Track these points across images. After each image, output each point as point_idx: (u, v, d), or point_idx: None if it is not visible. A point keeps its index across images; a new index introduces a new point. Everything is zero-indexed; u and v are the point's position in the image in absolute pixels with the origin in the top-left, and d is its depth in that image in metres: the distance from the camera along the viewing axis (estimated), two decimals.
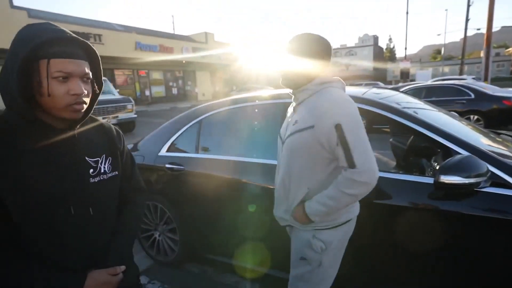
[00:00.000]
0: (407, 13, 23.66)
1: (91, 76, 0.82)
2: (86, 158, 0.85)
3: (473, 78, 16.78)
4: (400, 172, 1.62)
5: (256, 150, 1.97)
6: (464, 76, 17.73)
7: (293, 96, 1.22)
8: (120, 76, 19.34)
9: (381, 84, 23.70)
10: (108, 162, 0.91)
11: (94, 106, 0.89)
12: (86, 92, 0.79)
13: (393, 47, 77.28)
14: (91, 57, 0.84)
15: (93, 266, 0.85)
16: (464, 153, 1.40)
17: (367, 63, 59.64)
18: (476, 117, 6.83)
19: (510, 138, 2.18)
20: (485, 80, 12.36)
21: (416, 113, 1.67)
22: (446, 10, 33.07)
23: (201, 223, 2.17)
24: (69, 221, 0.80)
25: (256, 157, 1.91)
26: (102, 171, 0.88)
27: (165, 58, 19.38)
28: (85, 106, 0.81)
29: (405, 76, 24.45)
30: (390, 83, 38.99)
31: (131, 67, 19.24)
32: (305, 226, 1.16)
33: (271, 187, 1.77)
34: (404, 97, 2.11)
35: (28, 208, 0.74)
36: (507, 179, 1.32)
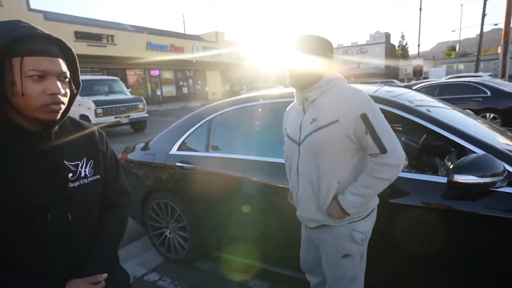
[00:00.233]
0: (420, 9, 23.10)
1: (68, 75, 0.78)
2: (65, 162, 0.81)
3: (490, 75, 16.26)
4: (413, 171, 1.59)
5: (265, 149, 1.97)
6: (479, 73, 17.20)
7: (299, 96, 1.22)
8: (132, 76, 19.67)
9: (397, 82, 23.25)
10: (90, 166, 0.87)
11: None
12: (63, 91, 0.75)
13: (406, 44, 75.70)
14: (67, 55, 0.79)
15: (76, 274, 0.81)
16: (480, 152, 1.36)
17: (379, 61, 58.64)
18: (492, 115, 6.62)
19: None
20: (502, 77, 11.95)
21: (429, 111, 1.63)
22: (461, 5, 32.10)
23: (211, 221, 2.19)
24: (47, 228, 0.76)
25: (265, 156, 1.91)
26: (83, 175, 0.84)
27: (176, 57, 19.59)
28: (63, 107, 0.76)
29: (418, 73, 23.91)
30: (402, 81, 38.24)
31: (142, 67, 19.53)
32: (340, 222, 1.17)
33: (281, 185, 1.77)
34: (417, 95, 2.07)
35: (1, 216, 0.70)
36: None
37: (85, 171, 0.85)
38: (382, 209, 1.31)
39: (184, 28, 41.31)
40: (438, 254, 1.42)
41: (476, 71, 20.58)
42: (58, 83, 0.73)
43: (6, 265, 0.72)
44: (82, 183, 0.84)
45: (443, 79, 13.24)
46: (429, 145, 2.10)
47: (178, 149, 2.34)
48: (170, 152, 2.35)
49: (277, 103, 1.99)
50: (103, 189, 0.92)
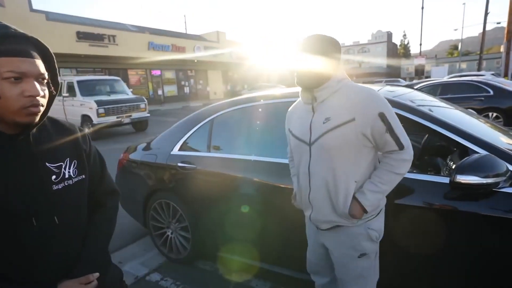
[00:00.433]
0: (422, 8, 23.00)
1: (47, 76, 0.75)
2: (47, 164, 0.78)
3: (492, 74, 16.17)
4: (415, 171, 1.58)
5: (267, 149, 1.97)
6: (482, 72, 17.11)
7: (306, 96, 1.20)
8: (134, 76, 19.71)
9: (402, 81, 23.14)
10: (74, 166, 0.84)
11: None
12: (42, 93, 0.73)
13: (408, 43, 75.36)
14: (44, 55, 0.76)
15: (66, 275, 0.81)
16: (482, 152, 1.36)
17: (381, 60, 58.48)
18: (495, 114, 6.58)
19: None
20: (505, 76, 11.89)
21: (431, 111, 1.62)
22: (463, 4, 31.94)
23: (213, 221, 2.19)
24: (33, 233, 0.74)
25: (267, 156, 1.91)
26: (67, 176, 0.82)
27: (178, 57, 19.60)
28: (42, 109, 0.74)
29: (420, 73, 23.83)
30: (404, 80, 38.07)
31: (144, 67, 19.56)
32: (356, 222, 1.17)
33: (282, 185, 1.77)
34: (419, 95, 2.06)
35: None
36: None
37: (69, 172, 0.83)
38: (384, 210, 1.30)
39: (186, 28, 41.31)
40: (440, 255, 1.42)
41: (479, 70, 20.47)
42: (37, 85, 0.71)
43: None
44: (66, 184, 0.81)
45: (445, 78, 13.19)
46: (431, 145, 2.09)
47: (180, 149, 2.34)
48: (171, 152, 2.35)
49: (278, 103, 1.98)
50: (89, 189, 0.91)
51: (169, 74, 22.11)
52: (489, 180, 1.22)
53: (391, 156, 1.12)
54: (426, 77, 27.01)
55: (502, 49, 13.22)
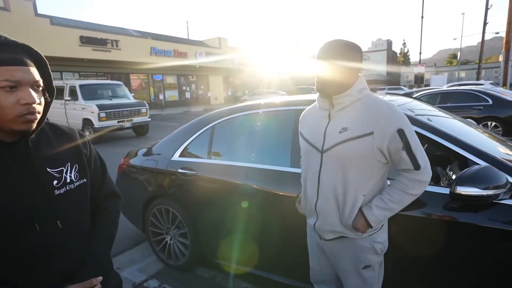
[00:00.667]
0: (422, 17, 23.25)
1: (42, 84, 0.76)
2: (48, 169, 0.79)
3: (491, 83, 16.26)
4: None
5: (267, 157, 1.98)
6: (481, 81, 17.21)
7: (324, 102, 1.17)
8: (135, 80, 19.81)
9: (405, 89, 23.24)
10: (75, 170, 0.85)
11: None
12: (38, 100, 0.73)
13: (407, 51, 75.94)
14: (38, 62, 0.77)
15: (70, 280, 0.81)
16: (482, 163, 1.36)
17: (381, 68, 58.86)
18: (493, 123, 6.60)
19: None
20: (504, 85, 11.96)
21: (430, 121, 1.64)
22: (462, 14, 32.27)
23: (212, 228, 2.18)
24: (36, 238, 0.75)
25: (267, 163, 1.92)
26: (68, 180, 0.83)
27: (179, 63, 19.72)
28: (38, 116, 0.74)
29: (419, 81, 23.98)
30: (407, 87, 38.30)
31: (146, 72, 19.68)
32: (361, 234, 1.15)
33: (282, 193, 1.78)
34: (418, 104, 2.08)
35: None
36: None
37: (70, 177, 0.84)
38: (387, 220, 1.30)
39: (188, 34, 41.67)
40: (440, 265, 1.41)
41: (478, 79, 20.62)
42: (32, 92, 0.72)
43: None
44: (68, 188, 0.82)
45: (445, 87, 13.26)
46: (430, 155, 2.10)
47: (180, 155, 2.34)
48: (172, 158, 2.36)
49: (279, 111, 2.00)
50: (91, 192, 0.91)
51: (171, 79, 22.23)
52: (489, 192, 1.22)
53: (405, 175, 1.09)
54: (426, 85, 27.16)
55: (500, 58, 13.31)
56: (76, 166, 0.86)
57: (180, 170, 2.24)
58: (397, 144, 1.05)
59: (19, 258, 0.73)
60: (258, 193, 1.88)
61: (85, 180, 0.88)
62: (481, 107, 6.75)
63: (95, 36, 15.53)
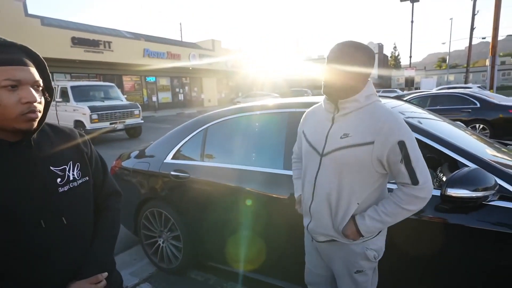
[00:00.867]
0: (412, 21, 23.69)
1: (41, 84, 0.77)
2: (51, 167, 0.81)
3: (479, 87, 16.66)
4: None
5: (260, 159, 1.98)
6: (469, 85, 17.62)
7: (330, 105, 1.14)
8: (128, 82, 19.62)
9: (399, 91, 23.57)
10: (77, 168, 0.87)
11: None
12: (39, 99, 0.75)
13: (398, 55, 77.15)
14: (37, 63, 0.78)
15: (74, 277, 0.82)
16: (471, 165, 1.39)
17: (373, 71, 59.53)
18: (481, 126, 6.76)
19: None
20: (490, 89, 12.27)
21: (421, 123, 1.67)
22: (451, 19, 33.04)
23: (205, 231, 2.17)
24: (42, 235, 0.76)
25: (260, 166, 1.92)
26: (71, 178, 0.85)
27: (173, 65, 19.64)
28: (39, 115, 0.76)
29: (410, 83, 24.35)
30: (400, 90, 38.92)
31: (139, 73, 19.52)
32: (352, 241, 1.14)
33: (275, 195, 1.78)
34: (408, 107, 2.11)
35: None
36: None
37: (73, 174, 0.86)
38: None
39: (181, 36, 41.54)
40: (431, 267, 1.43)
41: (466, 82, 21.10)
42: (33, 91, 0.73)
43: (4, 276, 0.72)
44: (72, 186, 0.84)
45: (434, 90, 13.52)
46: None
47: (173, 158, 2.33)
48: (165, 161, 2.34)
49: (273, 113, 2.01)
50: (93, 191, 0.93)
51: (164, 81, 22.10)
52: (479, 194, 1.25)
53: (402, 189, 1.06)
54: (416, 88, 27.61)
55: (487, 63, 13.66)
56: (78, 164, 0.88)
57: (173, 173, 2.23)
58: (396, 156, 1.02)
59: (25, 254, 0.74)
60: (251, 196, 1.88)
61: (87, 178, 0.90)
62: (470, 110, 6.91)
63: (87, 37, 15.35)
